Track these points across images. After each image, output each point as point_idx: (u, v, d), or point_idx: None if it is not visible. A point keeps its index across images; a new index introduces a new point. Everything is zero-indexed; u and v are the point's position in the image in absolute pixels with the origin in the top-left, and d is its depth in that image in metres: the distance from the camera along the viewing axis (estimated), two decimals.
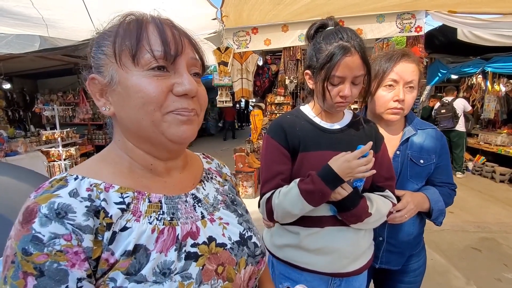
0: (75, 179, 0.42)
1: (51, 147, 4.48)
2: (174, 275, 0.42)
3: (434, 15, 3.58)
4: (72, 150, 4.41)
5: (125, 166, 0.48)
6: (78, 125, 6.16)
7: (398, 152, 1.04)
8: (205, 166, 0.63)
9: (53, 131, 4.24)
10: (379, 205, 0.85)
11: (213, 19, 3.22)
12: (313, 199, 0.79)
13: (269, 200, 0.87)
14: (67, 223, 0.37)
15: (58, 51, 2.81)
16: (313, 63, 0.85)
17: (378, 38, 3.93)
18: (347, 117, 0.94)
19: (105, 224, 0.40)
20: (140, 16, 0.46)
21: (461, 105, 4.94)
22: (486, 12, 3.41)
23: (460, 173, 5.12)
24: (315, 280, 0.91)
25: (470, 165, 5.41)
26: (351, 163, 0.76)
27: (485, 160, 5.27)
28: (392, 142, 1.05)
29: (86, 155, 5.71)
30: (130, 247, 0.41)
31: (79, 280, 0.37)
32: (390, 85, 0.99)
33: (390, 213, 0.92)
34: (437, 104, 5.14)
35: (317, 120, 0.91)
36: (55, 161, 4.24)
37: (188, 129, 0.46)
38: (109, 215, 0.41)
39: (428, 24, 3.91)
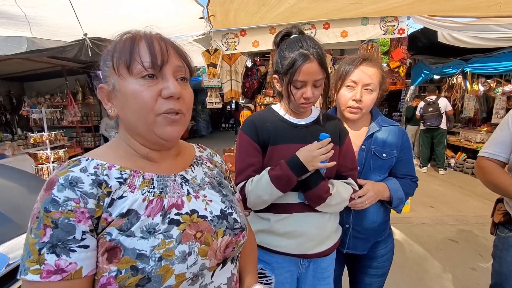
0: (86, 160, 0.54)
1: (39, 150, 4.45)
2: (158, 234, 0.52)
3: (415, 18, 3.76)
4: (61, 152, 4.38)
5: (126, 152, 0.60)
6: (66, 127, 6.10)
7: (363, 147, 1.13)
8: (196, 154, 0.73)
9: (41, 133, 4.21)
10: (340, 189, 0.95)
11: (200, 18, 3.27)
12: (280, 184, 0.88)
13: (242, 188, 0.95)
14: (77, 190, 0.49)
15: (46, 52, 2.82)
16: (278, 68, 0.94)
17: (363, 40, 4.08)
18: (314, 114, 1.03)
19: (105, 192, 0.52)
20: (135, 34, 0.56)
21: (444, 104, 5.16)
22: (463, 16, 3.60)
23: (442, 169, 5.32)
24: (286, 261, 0.99)
25: (452, 162, 5.63)
26: (313, 152, 0.86)
27: (466, 157, 5.49)
28: (358, 137, 1.15)
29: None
30: (124, 210, 0.52)
31: (84, 233, 0.48)
32: (350, 86, 1.09)
33: (352, 199, 1.02)
34: (422, 103, 5.33)
35: (286, 116, 1.01)
36: (43, 163, 4.20)
37: (174, 129, 0.56)
38: (109, 186, 0.52)
39: (410, 26, 4.08)
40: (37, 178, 1.74)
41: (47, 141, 4.20)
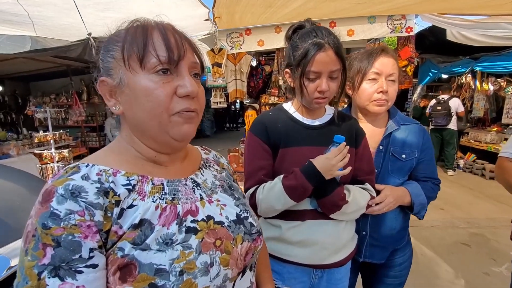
0: (86, 166, 0.47)
1: (43, 150, 4.44)
2: (176, 245, 0.47)
3: (424, 16, 3.68)
4: (65, 152, 4.37)
5: (131, 156, 0.54)
6: (71, 127, 6.13)
7: (380, 147, 1.06)
8: (203, 156, 0.68)
9: (46, 133, 4.20)
10: (356, 195, 0.88)
11: (206, 20, 3.24)
12: (295, 194, 0.82)
13: (253, 195, 0.89)
14: (81, 201, 0.42)
15: (50, 52, 2.80)
16: (290, 61, 0.88)
17: (370, 39, 4.00)
18: (328, 113, 0.97)
19: (113, 202, 0.45)
20: (145, 23, 0.51)
21: (455, 104, 5.04)
22: (473, 14, 3.51)
23: (451, 170, 5.21)
24: (298, 271, 0.93)
25: (461, 162, 5.51)
26: (331, 161, 0.80)
27: (475, 157, 5.37)
28: (375, 137, 1.08)
29: (79, 158, 5.68)
30: (136, 221, 0.46)
31: (91, 250, 0.42)
32: (373, 79, 1.02)
33: (369, 206, 0.95)
34: (433, 101, 5.22)
35: (299, 116, 0.94)
36: (48, 163, 4.19)
37: (189, 127, 0.51)
38: (117, 194, 0.46)
39: (418, 24, 3.99)
40: (38, 179, 1.72)
41: (52, 141, 4.19)
